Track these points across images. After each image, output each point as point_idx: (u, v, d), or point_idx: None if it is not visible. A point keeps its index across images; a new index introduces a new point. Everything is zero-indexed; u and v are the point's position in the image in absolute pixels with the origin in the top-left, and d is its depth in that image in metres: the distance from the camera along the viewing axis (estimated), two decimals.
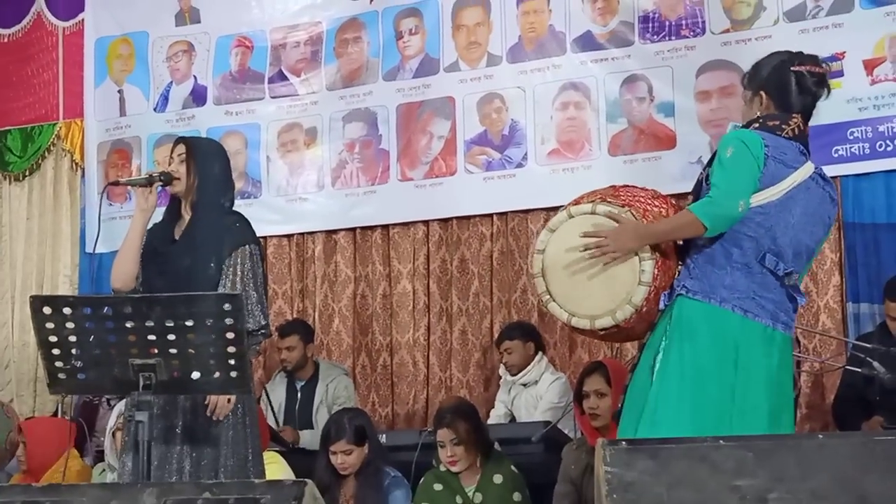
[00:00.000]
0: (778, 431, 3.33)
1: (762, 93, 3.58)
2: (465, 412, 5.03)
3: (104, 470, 5.50)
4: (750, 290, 3.39)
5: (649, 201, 3.56)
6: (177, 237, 4.06)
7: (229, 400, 3.90)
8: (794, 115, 3.52)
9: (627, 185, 3.74)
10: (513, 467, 4.95)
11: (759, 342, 3.39)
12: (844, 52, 5.84)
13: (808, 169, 3.50)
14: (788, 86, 3.54)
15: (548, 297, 3.56)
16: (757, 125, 3.53)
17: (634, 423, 3.40)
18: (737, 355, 3.36)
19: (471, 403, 5.44)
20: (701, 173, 3.56)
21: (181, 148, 4.10)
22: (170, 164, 4.09)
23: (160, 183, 4.02)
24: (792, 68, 3.56)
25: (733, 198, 3.35)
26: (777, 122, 3.51)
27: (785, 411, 3.49)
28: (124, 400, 4.45)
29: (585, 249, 3.45)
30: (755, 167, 3.38)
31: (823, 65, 3.62)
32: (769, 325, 3.41)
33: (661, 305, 3.46)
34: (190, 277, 3.89)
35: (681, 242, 3.55)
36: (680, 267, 3.51)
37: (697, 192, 3.53)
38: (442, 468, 4.98)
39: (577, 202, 3.59)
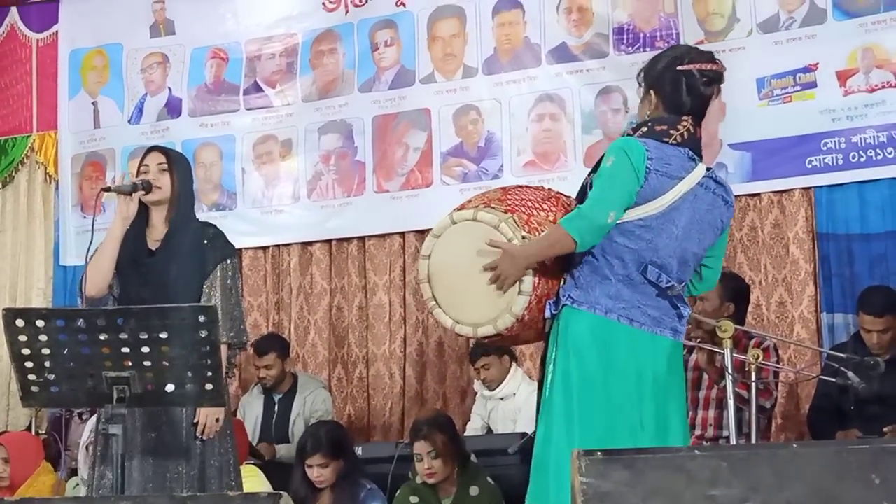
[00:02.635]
0: (669, 438, 3.31)
1: (651, 92, 3.50)
2: (441, 424, 5.03)
3: (78, 484, 5.46)
4: (634, 299, 3.36)
5: (537, 205, 3.50)
6: (151, 247, 4.05)
7: (218, 419, 3.90)
8: (683, 118, 3.43)
9: (520, 186, 3.69)
10: (489, 479, 4.95)
11: (646, 350, 3.36)
12: (817, 64, 5.88)
13: (696, 175, 3.42)
14: (677, 87, 3.44)
15: (433, 303, 3.51)
16: (645, 129, 3.44)
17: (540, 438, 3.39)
18: (624, 365, 3.33)
19: (447, 416, 5.45)
20: (586, 178, 3.48)
21: (160, 157, 4.10)
22: (142, 172, 4.08)
23: (142, 191, 4.01)
24: (678, 67, 3.45)
25: (602, 209, 3.29)
26: (665, 128, 3.42)
27: (677, 416, 3.44)
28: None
29: (488, 280, 3.37)
30: (633, 179, 3.32)
31: (717, 62, 3.51)
32: (656, 333, 3.37)
33: (548, 314, 3.41)
34: (174, 288, 3.88)
35: None
36: (567, 276, 3.45)
37: (582, 197, 3.45)
38: (418, 480, 4.98)
39: (462, 207, 3.54)
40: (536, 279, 3.37)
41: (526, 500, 3.38)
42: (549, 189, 3.68)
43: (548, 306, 3.41)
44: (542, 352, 3.52)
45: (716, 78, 3.49)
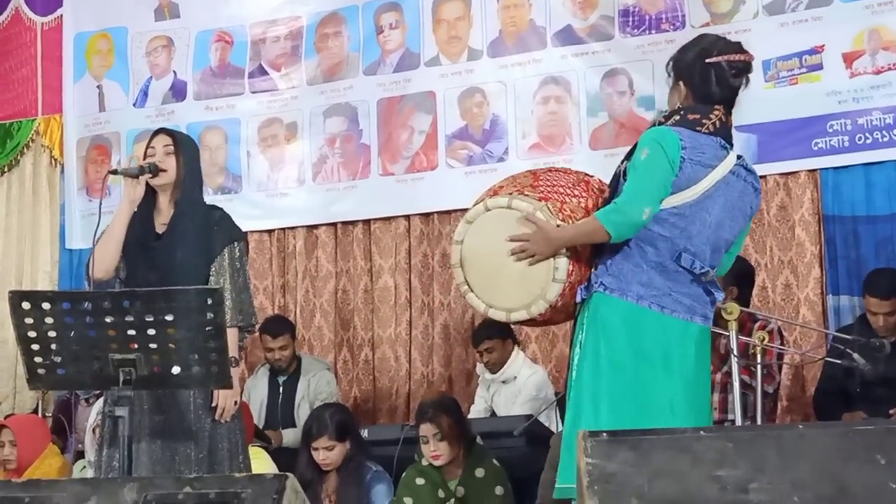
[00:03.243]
0: (696, 422, 3.33)
1: (681, 83, 3.53)
2: (447, 407, 5.03)
3: (85, 467, 5.48)
4: (666, 286, 3.40)
5: (568, 191, 3.53)
6: (158, 230, 4.05)
7: (235, 402, 3.92)
8: (715, 107, 3.46)
9: (550, 171, 3.71)
10: (495, 461, 4.96)
11: (675, 337, 3.40)
12: (824, 46, 5.86)
13: (728, 163, 3.46)
14: (706, 79, 3.47)
15: (466, 287, 3.58)
16: (678, 117, 3.47)
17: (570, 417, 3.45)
18: (653, 351, 3.37)
19: (453, 398, 5.45)
20: (619, 165, 3.51)
21: (167, 139, 4.09)
22: (148, 155, 4.08)
23: (148, 174, 4.01)
24: (707, 60, 3.48)
25: (638, 205, 3.32)
26: (697, 116, 3.44)
27: (702, 401, 3.50)
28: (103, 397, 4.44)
29: (510, 251, 3.43)
30: (668, 171, 3.35)
31: (746, 52, 3.53)
32: (687, 319, 3.42)
33: (579, 298, 3.47)
34: (182, 271, 3.89)
35: None
36: (599, 263, 3.49)
37: (615, 185, 3.49)
38: (424, 462, 4.98)
39: (495, 192, 3.57)
40: (571, 267, 3.42)
41: (557, 479, 3.42)
42: (578, 172, 3.71)
43: (579, 291, 3.47)
44: (570, 335, 3.56)
45: (745, 68, 3.52)
